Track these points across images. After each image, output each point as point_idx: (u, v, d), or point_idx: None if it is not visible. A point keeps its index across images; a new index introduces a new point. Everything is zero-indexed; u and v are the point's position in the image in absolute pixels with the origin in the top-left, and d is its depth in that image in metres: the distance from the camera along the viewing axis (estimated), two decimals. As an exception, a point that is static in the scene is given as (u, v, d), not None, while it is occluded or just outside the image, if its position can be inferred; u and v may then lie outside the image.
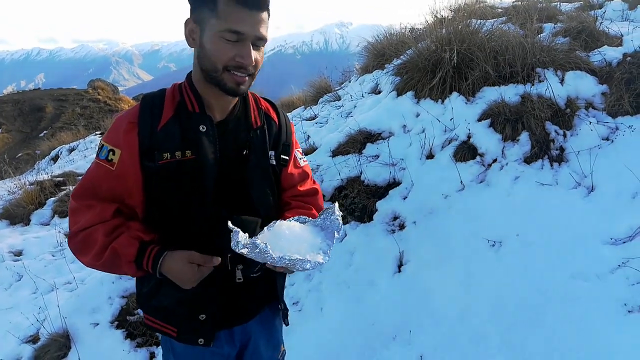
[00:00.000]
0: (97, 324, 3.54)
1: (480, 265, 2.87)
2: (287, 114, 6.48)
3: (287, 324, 1.72)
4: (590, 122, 3.41)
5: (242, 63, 1.27)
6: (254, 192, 1.47)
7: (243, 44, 1.26)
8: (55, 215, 6.02)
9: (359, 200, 3.63)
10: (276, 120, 1.57)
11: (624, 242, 2.62)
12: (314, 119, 5.43)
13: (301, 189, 1.64)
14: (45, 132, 19.17)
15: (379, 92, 4.81)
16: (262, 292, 1.60)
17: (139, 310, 3.50)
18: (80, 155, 9.59)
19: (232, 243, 1.21)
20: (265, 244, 1.23)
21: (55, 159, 10.28)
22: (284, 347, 1.79)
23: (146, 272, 1.37)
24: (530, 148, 3.40)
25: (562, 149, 3.39)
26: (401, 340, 2.73)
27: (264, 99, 1.59)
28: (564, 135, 3.45)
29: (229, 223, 1.22)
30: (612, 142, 3.28)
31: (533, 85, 3.71)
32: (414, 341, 2.70)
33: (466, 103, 3.82)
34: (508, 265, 2.80)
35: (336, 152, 4.11)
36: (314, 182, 1.71)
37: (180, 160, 1.34)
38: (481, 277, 2.81)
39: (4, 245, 5.13)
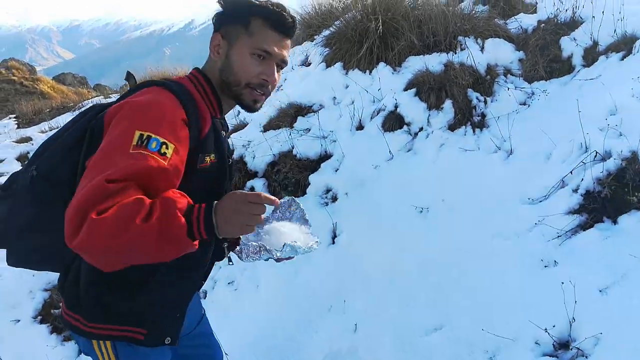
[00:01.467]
0: (19, 321, 3.34)
1: (408, 231, 2.95)
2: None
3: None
4: (508, 88, 3.55)
5: (266, 81, 1.34)
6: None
7: (269, 63, 1.33)
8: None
9: (292, 175, 3.60)
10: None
11: (540, 201, 2.78)
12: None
13: None
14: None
15: (309, 64, 4.75)
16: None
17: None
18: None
19: (244, 255, 1.33)
20: (264, 244, 1.29)
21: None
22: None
23: (193, 237, 1.12)
24: (454, 115, 3.50)
25: (483, 115, 3.51)
26: (336, 310, 2.77)
27: None
28: (485, 102, 3.58)
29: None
30: (529, 106, 3.44)
31: (455, 53, 3.80)
32: (348, 309, 2.75)
33: (393, 73, 3.85)
34: (434, 229, 2.90)
35: (267, 127, 4.03)
36: None
37: (210, 164, 1.35)
38: (410, 242, 2.89)
39: None
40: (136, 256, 1.11)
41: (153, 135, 1.18)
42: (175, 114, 1.24)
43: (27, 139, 8.21)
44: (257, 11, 1.32)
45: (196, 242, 1.13)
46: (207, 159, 1.33)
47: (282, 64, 1.38)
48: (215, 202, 1.16)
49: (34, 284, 3.49)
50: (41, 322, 3.30)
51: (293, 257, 1.33)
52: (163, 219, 1.07)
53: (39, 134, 8.48)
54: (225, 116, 1.55)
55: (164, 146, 1.17)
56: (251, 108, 1.39)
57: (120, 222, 1.05)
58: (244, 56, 1.32)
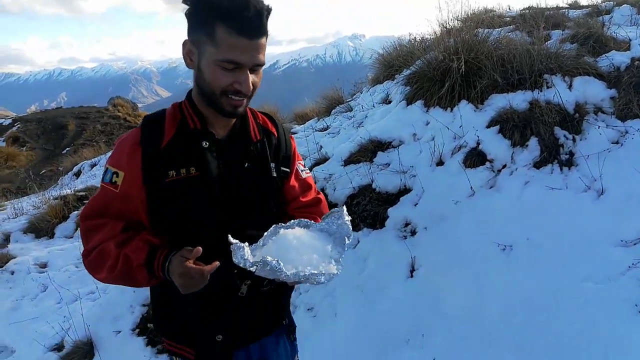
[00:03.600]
0: (119, 332, 3.66)
1: (490, 269, 2.91)
2: (301, 125, 6.60)
3: (292, 340, 1.71)
4: (599, 127, 3.43)
5: (240, 90, 1.29)
6: (256, 205, 1.48)
7: (241, 71, 1.27)
8: (78, 229, 6.21)
9: (371, 208, 3.70)
10: (275, 133, 1.58)
11: (635, 244, 2.64)
12: (326, 129, 5.53)
13: (303, 199, 1.63)
14: (67, 149, 19.66)
15: (390, 102, 4.90)
16: (272, 307, 1.59)
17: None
18: (101, 170, 9.84)
19: (236, 259, 1.16)
20: (277, 260, 1.16)
21: (77, 174, 10.58)
22: (297, 358, 1.77)
23: (159, 278, 1.33)
24: (539, 153, 3.44)
25: (571, 154, 3.41)
26: (414, 344, 2.78)
27: (261, 113, 1.61)
28: (573, 140, 3.48)
29: (230, 237, 1.19)
30: (622, 145, 3.30)
31: (541, 91, 3.75)
32: (426, 345, 2.74)
33: (475, 110, 3.87)
34: (518, 269, 2.84)
35: (348, 161, 4.19)
36: (318, 192, 1.71)
37: (186, 178, 1.36)
38: (492, 280, 2.85)
39: (29, 257, 5.31)
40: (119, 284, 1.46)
41: (109, 167, 1.41)
42: (127, 142, 1.39)
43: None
44: (219, 16, 1.22)
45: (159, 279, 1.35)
46: (172, 173, 1.35)
47: (256, 67, 1.30)
48: (174, 254, 1.30)
49: (134, 299, 3.84)
50: (139, 334, 3.60)
51: (299, 281, 1.18)
52: (125, 274, 1.35)
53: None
54: (279, 138, 1.56)
55: (115, 175, 1.38)
56: (233, 114, 1.36)
57: (93, 270, 1.42)
58: (213, 68, 1.27)
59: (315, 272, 1.17)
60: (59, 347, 3.72)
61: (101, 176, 1.45)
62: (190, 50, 1.31)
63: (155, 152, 1.35)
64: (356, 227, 3.68)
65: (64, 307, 4.05)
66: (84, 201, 6.90)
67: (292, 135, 1.74)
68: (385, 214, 3.59)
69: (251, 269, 1.16)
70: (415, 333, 2.84)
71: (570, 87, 3.77)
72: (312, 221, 1.39)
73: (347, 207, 3.90)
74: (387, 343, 2.86)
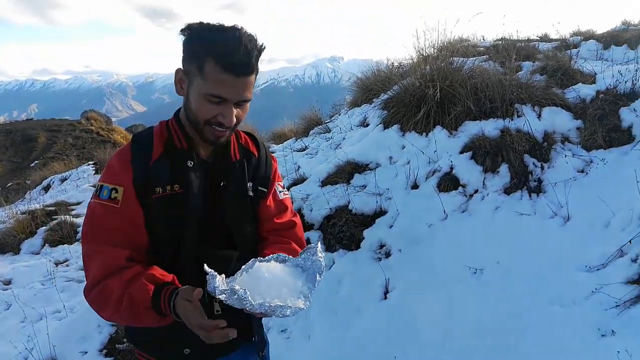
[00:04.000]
0: (86, 352, 3.55)
1: (462, 292, 2.97)
2: (279, 145, 6.64)
3: (261, 356, 1.70)
4: (566, 155, 3.59)
5: (223, 123, 1.33)
6: (232, 223, 1.50)
7: (226, 105, 1.31)
8: (46, 245, 6.03)
9: (347, 229, 3.74)
10: (256, 153, 1.61)
11: (598, 269, 2.75)
12: (304, 150, 5.59)
13: (278, 221, 1.64)
14: (36, 162, 19.17)
15: (367, 125, 5.00)
16: (242, 323, 1.54)
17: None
18: (72, 185, 9.63)
19: (209, 287, 1.18)
20: (245, 290, 1.18)
21: (46, 188, 10.31)
22: None
23: (170, 318, 1.30)
24: (509, 179, 3.56)
25: (539, 181, 3.55)
26: (386, 366, 2.79)
27: (245, 133, 1.63)
28: (542, 168, 3.62)
29: (205, 266, 1.20)
30: (587, 174, 3.45)
31: (512, 120, 3.90)
32: (399, 366, 2.76)
33: (449, 136, 3.99)
34: (489, 292, 2.91)
35: (325, 182, 4.24)
36: (294, 214, 1.72)
37: (170, 194, 1.39)
38: (463, 303, 2.91)
39: (-7, 274, 5.12)
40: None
41: (104, 184, 1.38)
42: (119, 159, 1.41)
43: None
44: (209, 51, 1.26)
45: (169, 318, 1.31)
46: (158, 190, 1.37)
47: (242, 102, 1.35)
48: (179, 294, 1.27)
49: (102, 319, 3.74)
50: (106, 355, 3.49)
51: (266, 313, 1.20)
52: (130, 314, 1.31)
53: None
54: (259, 158, 1.58)
55: (113, 191, 1.36)
56: (214, 143, 1.41)
57: (97, 307, 1.36)
58: (199, 99, 1.31)
59: (282, 304, 1.20)
60: (21, 368, 3.58)
61: (94, 194, 1.40)
62: (182, 78, 1.36)
63: (144, 168, 1.38)
64: (332, 248, 3.71)
65: (28, 326, 3.91)
66: (54, 217, 6.73)
67: (274, 156, 1.77)
68: (360, 235, 3.64)
69: (220, 297, 1.18)
70: (388, 356, 2.85)
71: (539, 116, 3.94)
72: (290, 256, 1.40)
73: (323, 228, 3.89)
74: (360, 365, 2.87)
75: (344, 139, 5.02)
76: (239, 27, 1.31)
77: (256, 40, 1.31)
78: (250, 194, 1.57)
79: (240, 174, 1.54)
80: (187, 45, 1.32)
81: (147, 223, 1.40)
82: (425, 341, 2.84)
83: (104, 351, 3.54)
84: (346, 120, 5.71)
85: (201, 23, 1.31)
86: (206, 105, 1.31)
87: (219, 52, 1.25)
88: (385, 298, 3.20)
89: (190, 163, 1.43)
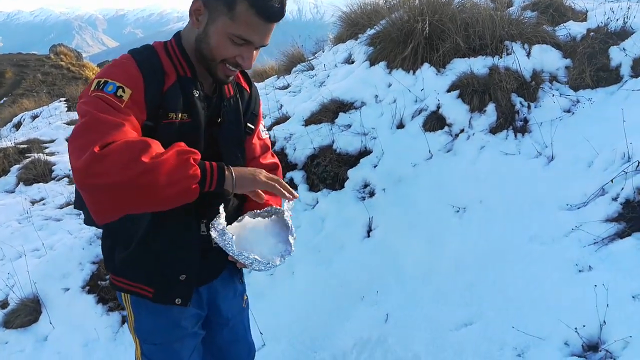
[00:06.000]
0: (68, 289, 3.54)
1: (444, 230, 3.00)
2: (261, 83, 6.43)
3: (241, 282, 1.80)
4: (553, 95, 3.54)
5: (241, 64, 1.33)
6: (228, 160, 1.47)
7: (248, 47, 1.31)
8: (20, 183, 5.87)
9: (331, 169, 3.70)
10: (248, 89, 1.60)
11: (579, 208, 2.79)
12: (286, 88, 5.43)
13: (263, 161, 1.67)
14: (5, 99, 18.36)
15: (352, 62, 4.84)
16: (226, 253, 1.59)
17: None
18: (44, 122, 9.28)
19: (213, 221, 1.28)
20: (232, 235, 1.29)
21: (17, 126, 9.92)
22: (246, 296, 1.85)
23: (203, 186, 1.23)
24: (496, 119, 3.53)
25: (526, 120, 3.52)
26: (369, 300, 2.86)
27: None
28: (528, 107, 3.59)
29: (221, 208, 1.29)
30: (573, 114, 3.43)
31: (501, 57, 3.81)
32: (380, 301, 2.83)
33: (437, 74, 3.90)
34: (471, 230, 2.95)
35: (309, 121, 4.14)
36: (273, 155, 1.75)
37: (181, 122, 1.36)
38: (445, 240, 2.95)
39: (-34, 212, 5.00)
40: (135, 199, 1.14)
41: (110, 80, 1.26)
42: (131, 66, 1.32)
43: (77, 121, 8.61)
44: None
45: (197, 194, 1.21)
46: (172, 115, 1.34)
47: (261, 47, 1.36)
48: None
49: (83, 257, 3.71)
50: (88, 292, 3.49)
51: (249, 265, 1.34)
52: (177, 164, 1.16)
53: (87, 117, 8.87)
54: (251, 95, 1.60)
55: (120, 90, 1.25)
56: (223, 82, 1.41)
57: (117, 162, 1.10)
58: (222, 37, 1.29)
59: (260, 259, 1.31)
60: (2, 305, 3.56)
61: (94, 88, 1.25)
62: (199, 10, 1.31)
63: (160, 91, 1.33)
64: (315, 188, 3.69)
65: (7, 263, 3.86)
66: (26, 155, 6.51)
67: (261, 98, 1.75)
68: (345, 175, 3.61)
69: (212, 233, 1.30)
70: (370, 290, 2.92)
71: (528, 54, 3.85)
72: (280, 209, 1.48)
73: (307, 168, 3.86)
74: (343, 299, 2.93)
75: (328, 76, 4.86)
76: None
77: None
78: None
79: (235, 111, 1.53)
80: None
81: None
82: (407, 276, 2.90)
83: (87, 288, 3.54)
84: (330, 57, 5.51)
85: None
86: (228, 45, 1.29)
87: None
88: (369, 236, 3.23)
89: (196, 93, 1.40)
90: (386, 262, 3.02)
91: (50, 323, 3.30)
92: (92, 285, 3.54)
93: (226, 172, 1.27)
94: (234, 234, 1.31)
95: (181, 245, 1.46)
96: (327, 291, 3.00)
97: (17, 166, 6.09)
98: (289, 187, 1.38)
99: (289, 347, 2.78)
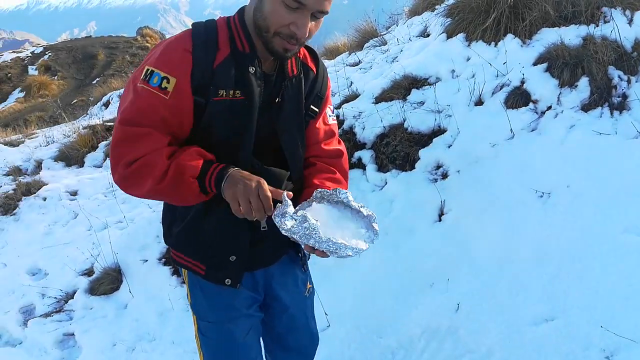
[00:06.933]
0: (146, 261, 3.74)
1: (525, 216, 2.77)
2: (332, 60, 6.31)
3: (305, 270, 1.74)
4: (660, 67, 3.11)
5: (296, 34, 1.25)
6: (285, 143, 1.45)
7: (302, 13, 1.22)
8: (107, 158, 6.28)
9: (401, 148, 3.54)
10: (314, 69, 1.51)
11: (687, 197, 2.44)
12: (357, 64, 5.27)
13: (325, 147, 1.58)
14: (97, 79, 19.73)
15: (428, 36, 4.57)
16: (284, 238, 1.58)
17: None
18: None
19: (278, 211, 1.22)
20: (317, 220, 1.19)
21: (106, 104, 10.62)
22: (310, 284, 1.80)
23: (209, 193, 1.31)
24: (589, 95, 3.17)
25: (624, 96, 3.13)
26: (439, 288, 2.72)
27: (304, 46, 1.50)
28: (628, 81, 3.18)
29: (285, 194, 1.23)
30: (684, 88, 2.99)
31: (597, 26, 3.40)
32: (451, 289, 2.68)
33: (522, 46, 3.57)
34: (555, 217, 2.69)
35: (379, 99, 3.98)
36: (340, 142, 1.65)
37: (232, 100, 1.31)
38: (525, 228, 2.72)
39: (61, 185, 5.43)
40: (159, 200, 1.41)
41: (155, 70, 1.26)
42: (179, 47, 1.28)
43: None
44: None
45: (208, 196, 1.33)
46: (222, 92, 1.29)
47: (318, 14, 1.25)
48: (235, 169, 1.28)
49: (160, 230, 3.88)
50: (165, 264, 3.67)
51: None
52: (173, 185, 1.26)
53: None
54: (317, 76, 1.50)
55: (165, 80, 1.25)
56: (281, 56, 1.32)
57: (133, 183, 1.30)
58: (274, 2, 1.22)
59: (346, 243, 1.21)
60: (88, 272, 3.85)
61: (142, 78, 1.29)
62: None
63: (209, 67, 1.29)
64: (384, 168, 3.55)
65: (93, 234, 4.15)
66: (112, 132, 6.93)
67: (329, 77, 1.64)
68: (416, 155, 3.44)
69: (287, 222, 1.19)
70: (440, 277, 2.77)
71: (630, 22, 3.41)
72: (349, 198, 1.36)
73: (375, 147, 3.74)
74: (411, 285, 2.81)
75: (401, 51, 4.64)
76: None
77: None
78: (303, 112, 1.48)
79: (297, 91, 1.45)
80: None
81: (197, 124, 1.33)
82: (481, 265, 2.72)
83: (163, 260, 3.71)
84: (404, 30, 5.26)
85: None
86: (281, 11, 1.22)
87: None
88: (440, 220, 3.06)
89: (252, 69, 1.33)
90: (458, 248, 2.85)
91: (130, 292, 3.50)
92: (167, 258, 3.71)
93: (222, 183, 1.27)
94: (317, 219, 1.21)
95: (229, 227, 1.43)
96: (394, 276, 2.90)
97: (104, 142, 6.50)
98: (272, 208, 1.25)
99: (353, 330, 2.73)
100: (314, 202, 1.34)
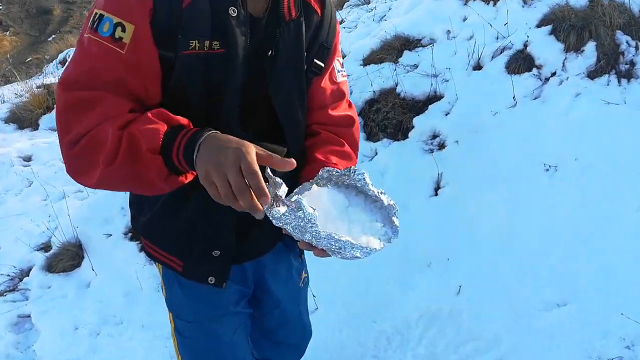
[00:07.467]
0: (110, 235, 3.41)
1: (530, 192, 2.57)
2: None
3: (301, 259, 1.54)
4: (671, 32, 2.92)
5: None
6: (281, 108, 1.15)
7: None
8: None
9: (393, 115, 3.27)
10: (319, 11, 1.17)
11: None
12: (340, 23, 4.91)
13: (333, 113, 1.26)
14: (53, 36, 18.49)
15: (418, -7, 4.25)
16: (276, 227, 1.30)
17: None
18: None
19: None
20: (314, 209, 0.88)
21: (63, 62, 9.83)
22: (306, 273, 1.59)
23: (177, 172, 0.94)
24: (596, 61, 2.96)
25: (632, 63, 2.94)
26: (437, 269, 2.52)
27: None
28: (637, 48, 2.99)
29: (268, 170, 0.87)
30: (696, 55, 2.82)
31: (605, -14, 3.17)
32: (451, 269, 2.49)
33: (524, 6, 3.33)
34: (563, 192, 2.50)
35: (368, 60, 3.67)
36: (350, 105, 1.34)
37: (208, 53, 1.00)
38: (530, 204, 2.53)
39: (13, 149, 4.95)
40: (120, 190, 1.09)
41: (106, 14, 0.94)
42: None
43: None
44: None
45: (185, 176, 0.95)
46: (194, 44, 0.98)
47: None
48: (212, 132, 0.91)
49: (126, 201, 3.50)
50: (131, 239, 3.35)
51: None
52: (129, 166, 0.92)
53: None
54: (322, 20, 1.18)
55: (119, 28, 0.93)
56: None
57: (80, 168, 0.97)
58: None
59: (353, 242, 0.91)
60: (45, 247, 3.49)
61: (89, 26, 0.96)
62: None
63: (177, 8, 0.96)
64: (374, 137, 3.28)
65: (49, 205, 3.75)
66: (70, 92, 6.38)
67: (338, 21, 1.28)
68: (409, 123, 3.17)
69: (278, 208, 0.87)
70: (438, 257, 2.57)
71: (640, -18, 3.18)
72: (367, 183, 1.04)
73: (365, 114, 3.41)
74: (407, 265, 2.60)
75: (389, 9, 4.31)
76: None
77: None
78: (304, 67, 1.15)
79: (296, 40, 1.12)
80: None
81: (166, 85, 1.00)
82: (483, 243, 2.52)
83: (129, 235, 3.38)
84: (391, -13, 4.91)
85: None
86: None
87: None
88: (436, 194, 2.84)
89: (234, 11, 1.00)
90: (457, 225, 2.64)
91: (93, 269, 3.18)
92: (134, 232, 3.38)
93: (194, 153, 0.89)
94: (315, 208, 0.89)
95: (210, 215, 1.14)
96: (388, 255, 2.61)
97: (61, 104, 5.97)
98: (264, 189, 0.83)
99: (344, 314, 2.51)
100: (315, 185, 1.02)
